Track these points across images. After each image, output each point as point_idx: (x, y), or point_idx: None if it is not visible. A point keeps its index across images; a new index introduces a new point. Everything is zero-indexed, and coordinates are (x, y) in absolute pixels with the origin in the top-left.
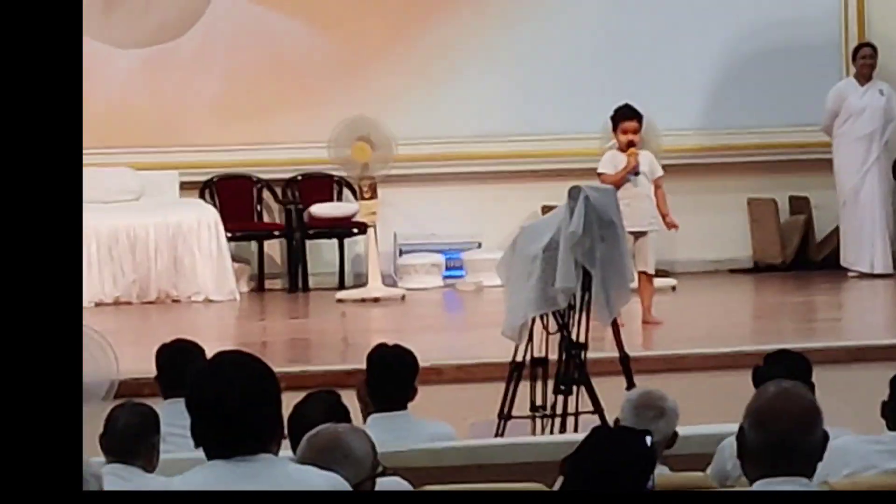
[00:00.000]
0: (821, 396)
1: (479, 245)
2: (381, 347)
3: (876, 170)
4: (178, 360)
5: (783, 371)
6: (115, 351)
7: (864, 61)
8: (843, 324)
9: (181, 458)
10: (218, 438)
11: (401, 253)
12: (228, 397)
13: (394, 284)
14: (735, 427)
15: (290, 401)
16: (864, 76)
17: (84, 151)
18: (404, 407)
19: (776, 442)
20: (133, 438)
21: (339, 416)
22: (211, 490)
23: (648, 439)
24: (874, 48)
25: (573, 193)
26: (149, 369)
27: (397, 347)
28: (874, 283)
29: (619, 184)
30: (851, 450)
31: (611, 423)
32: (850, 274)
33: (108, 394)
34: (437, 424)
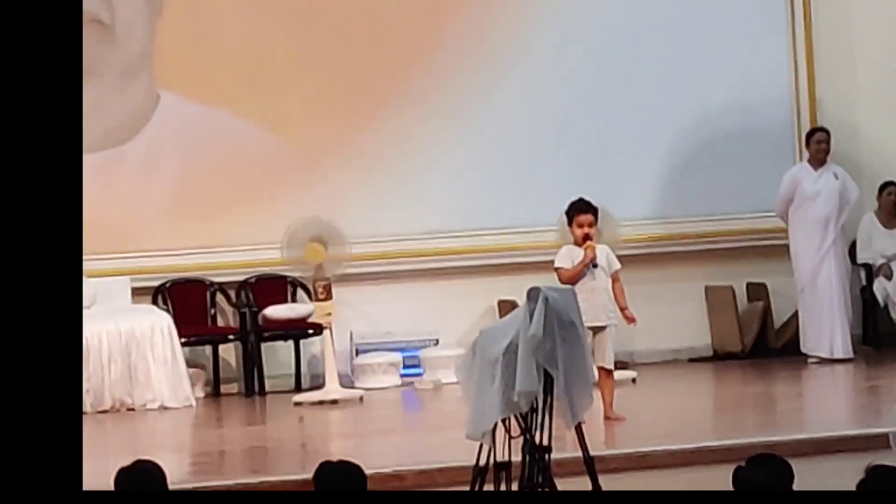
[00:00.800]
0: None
1: (437, 342)
2: (327, 466)
3: (832, 254)
4: (137, 483)
5: (765, 476)
6: None
7: (819, 146)
8: (804, 414)
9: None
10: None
11: (357, 352)
12: None
13: (351, 385)
14: None
15: None
16: (819, 160)
17: None
18: None
19: None
20: None
21: None
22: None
23: None
24: (828, 132)
25: (532, 295)
26: (106, 484)
27: (343, 463)
28: (835, 369)
29: (576, 278)
30: None
31: None
32: (810, 360)
33: None
34: None
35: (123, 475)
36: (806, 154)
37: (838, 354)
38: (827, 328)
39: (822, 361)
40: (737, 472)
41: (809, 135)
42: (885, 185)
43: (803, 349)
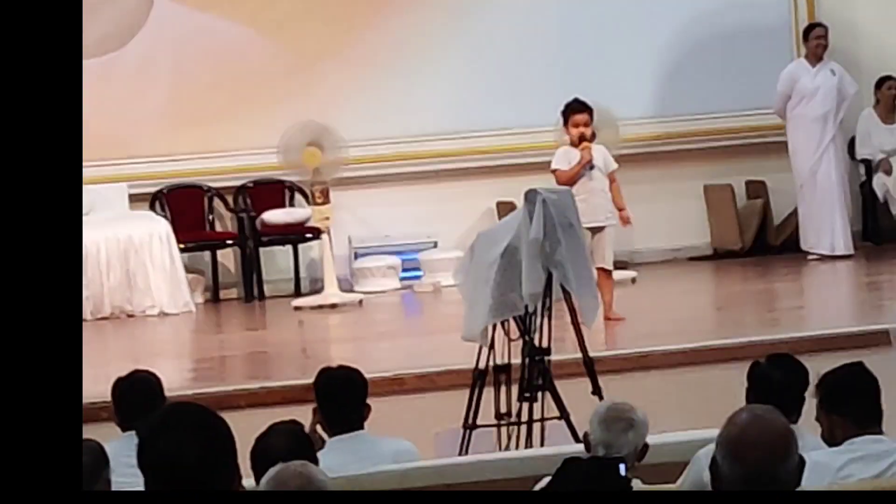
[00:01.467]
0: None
1: (435, 245)
2: (326, 372)
3: (832, 150)
4: (133, 393)
5: (784, 376)
6: None
7: (818, 41)
8: (805, 312)
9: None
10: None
11: (356, 256)
12: (183, 460)
13: (350, 289)
14: (705, 433)
15: (251, 419)
16: (816, 56)
17: None
18: (361, 426)
19: (752, 473)
20: (87, 476)
21: (303, 449)
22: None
23: (622, 467)
24: (826, 28)
25: (530, 197)
26: (104, 392)
27: (342, 369)
28: (835, 267)
29: (573, 179)
30: (825, 465)
31: (578, 429)
32: (809, 258)
33: None
34: (397, 442)
35: (121, 384)
36: (804, 50)
37: (839, 251)
38: (827, 225)
39: (823, 258)
40: (753, 368)
41: (807, 30)
42: (882, 80)
43: (803, 246)
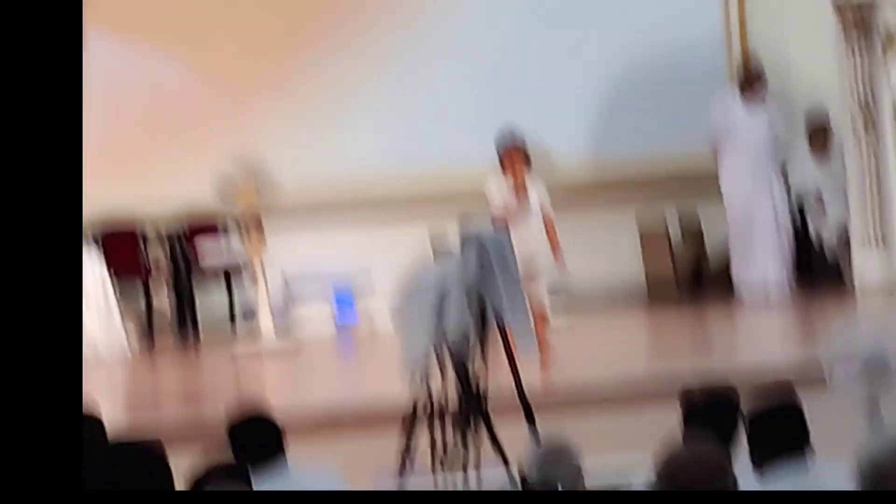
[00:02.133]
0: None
1: (371, 285)
2: (234, 427)
3: (768, 186)
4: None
5: (711, 400)
6: None
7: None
8: (738, 354)
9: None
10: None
11: (291, 298)
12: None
13: (286, 329)
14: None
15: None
16: (754, 96)
17: None
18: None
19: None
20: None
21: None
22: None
23: None
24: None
25: (466, 235)
26: None
27: (249, 419)
28: (767, 302)
29: (509, 218)
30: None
31: (514, 465)
32: (741, 292)
33: None
34: (322, 467)
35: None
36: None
37: (772, 288)
38: (760, 261)
39: (755, 293)
40: (685, 393)
41: (745, 70)
42: (816, 131)
43: (735, 279)
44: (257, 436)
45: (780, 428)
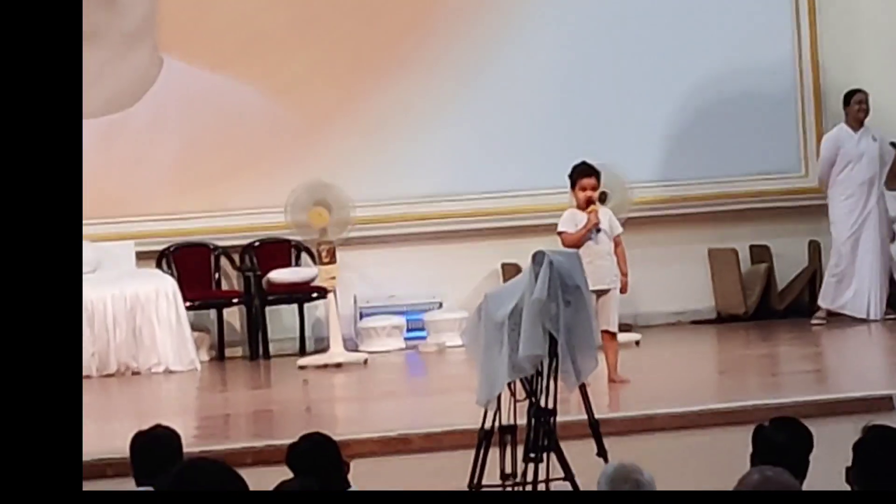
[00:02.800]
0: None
1: (440, 305)
2: (294, 447)
3: (875, 215)
4: (152, 447)
5: (788, 439)
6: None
7: (859, 106)
8: (808, 376)
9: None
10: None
11: (361, 316)
12: None
13: (355, 348)
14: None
15: (256, 477)
16: (858, 121)
17: None
18: (348, 485)
19: None
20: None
21: None
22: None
23: None
24: (866, 94)
25: (537, 258)
26: (111, 449)
27: (307, 439)
28: (844, 332)
29: (580, 242)
30: None
31: (583, 490)
32: (814, 321)
33: None
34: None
35: (141, 438)
36: (809, 117)
37: (873, 316)
38: (865, 288)
39: (856, 314)
40: (758, 430)
41: (848, 96)
42: None
43: (821, 303)
44: (317, 457)
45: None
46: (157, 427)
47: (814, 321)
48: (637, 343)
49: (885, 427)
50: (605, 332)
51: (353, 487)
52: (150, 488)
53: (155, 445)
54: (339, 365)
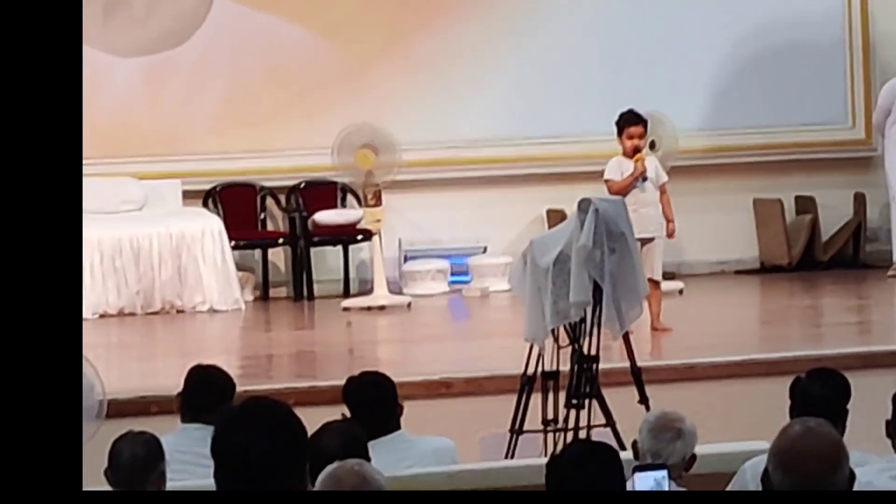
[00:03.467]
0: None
1: (485, 250)
2: (353, 381)
3: None
4: (206, 388)
5: (824, 390)
6: (96, 368)
7: None
8: (852, 328)
9: (193, 487)
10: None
11: (406, 259)
12: (257, 453)
13: (399, 291)
14: (752, 445)
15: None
16: None
17: (85, 162)
18: (398, 427)
19: (803, 484)
20: (141, 469)
21: (357, 448)
22: (210, 490)
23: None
24: None
25: (583, 206)
26: (154, 386)
27: (369, 375)
28: (892, 283)
29: (626, 190)
30: (875, 484)
31: (624, 437)
32: (890, 272)
33: (98, 413)
34: (436, 440)
35: (194, 374)
36: (857, 68)
37: None
38: None
39: None
40: (794, 383)
41: None
42: None
43: None
44: (374, 394)
45: None
46: (213, 367)
47: (890, 272)
48: (681, 292)
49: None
50: (648, 280)
51: (402, 430)
52: (199, 425)
53: (208, 384)
54: (382, 307)
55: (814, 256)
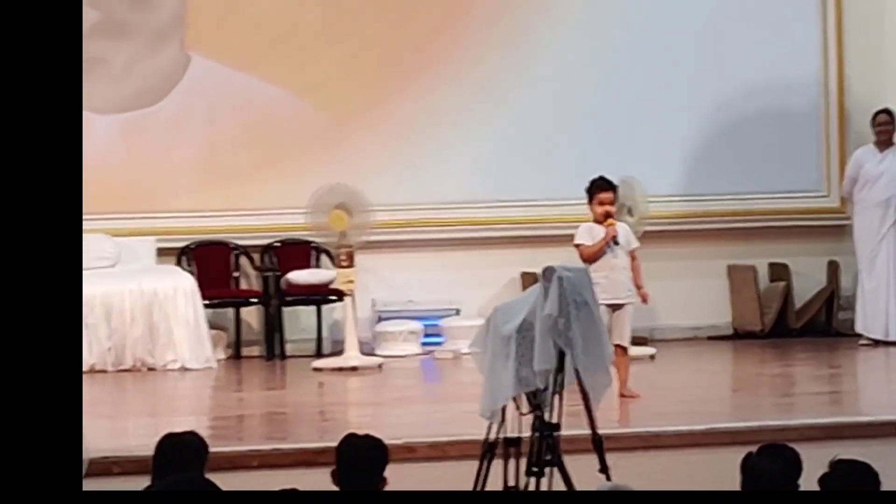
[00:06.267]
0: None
1: (458, 312)
2: (352, 438)
3: (892, 235)
4: (177, 454)
5: (774, 466)
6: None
7: (883, 127)
8: (823, 398)
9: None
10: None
11: (379, 320)
12: None
13: (372, 352)
14: None
15: (266, 480)
16: (883, 142)
17: None
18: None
19: None
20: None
21: None
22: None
23: None
24: (892, 114)
25: (547, 274)
26: (120, 447)
27: (367, 438)
28: (887, 352)
29: (597, 255)
30: None
31: None
32: (861, 342)
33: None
34: None
35: (165, 443)
36: (833, 137)
37: (893, 336)
38: (882, 310)
39: (876, 343)
40: (745, 459)
41: (874, 116)
42: None
43: (858, 329)
44: (363, 458)
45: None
46: (188, 433)
47: (862, 340)
48: (652, 357)
49: (851, 461)
50: (617, 346)
51: None
52: None
53: (181, 451)
54: (354, 368)
55: (787, 323)
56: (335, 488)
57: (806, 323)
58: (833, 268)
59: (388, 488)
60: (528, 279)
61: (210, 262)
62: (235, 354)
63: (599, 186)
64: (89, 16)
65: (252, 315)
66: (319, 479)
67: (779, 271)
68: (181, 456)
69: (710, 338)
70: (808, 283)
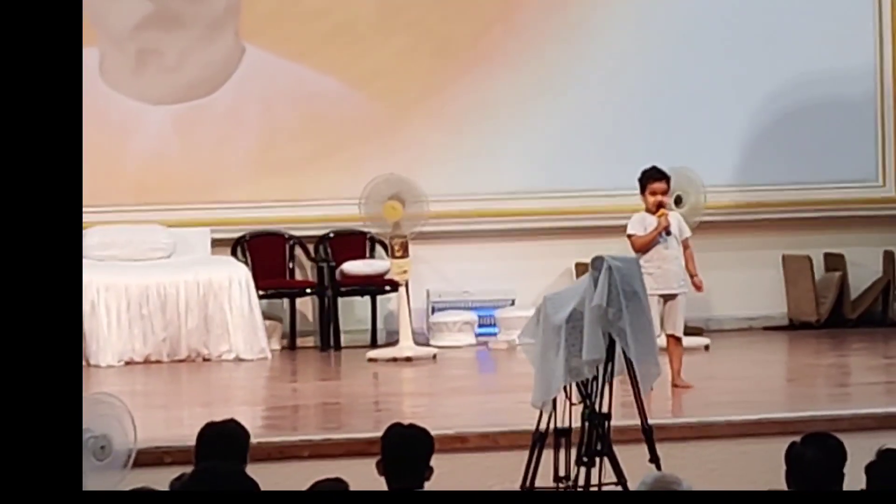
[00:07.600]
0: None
1: (513, 302)
2: (397, 428)
3: None
4: (219, 441)
5: (819, 454)
6: (133, 417)
7: None
8: (880, 388)
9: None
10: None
11: (433, 310)
12: None
13: (426, 342)
14: None
15: (317, 470)
16: None
17: (115, 208)
18: (420, 485)
19: None
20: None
21: None
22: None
23: None
24: None
25: (596, 264)
26: (173, 437)
27: (412, 428)
28: None
29: (649, 246)
30: None
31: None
32: None
33: (126, 462)
34: None
35: (208, 431)
36: (889, 125)
37: None
38: None
39: None
40: (790, 448)
41: None
42: None
43: None
44: (409, 448)
45: None
46: (230, 421)
47: None
48: (706, 348)
49: None
50: (670, 336)
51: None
52: None
53: (222, 439)
54: (408, 359)
55: (842, 314)
56: (381, 479)
57: (862, 313)
58: (889, 258)
59: (436, 478)
60: (581, 269)
61: (265, 253)
62: (290, 345)
63: (651, 176)
64: (143, 7)
65: (307, 306)
66: (369, 470)
67: (834, 261)
68: (222, 444)
69: (765, 328)
70: (863, 273)
